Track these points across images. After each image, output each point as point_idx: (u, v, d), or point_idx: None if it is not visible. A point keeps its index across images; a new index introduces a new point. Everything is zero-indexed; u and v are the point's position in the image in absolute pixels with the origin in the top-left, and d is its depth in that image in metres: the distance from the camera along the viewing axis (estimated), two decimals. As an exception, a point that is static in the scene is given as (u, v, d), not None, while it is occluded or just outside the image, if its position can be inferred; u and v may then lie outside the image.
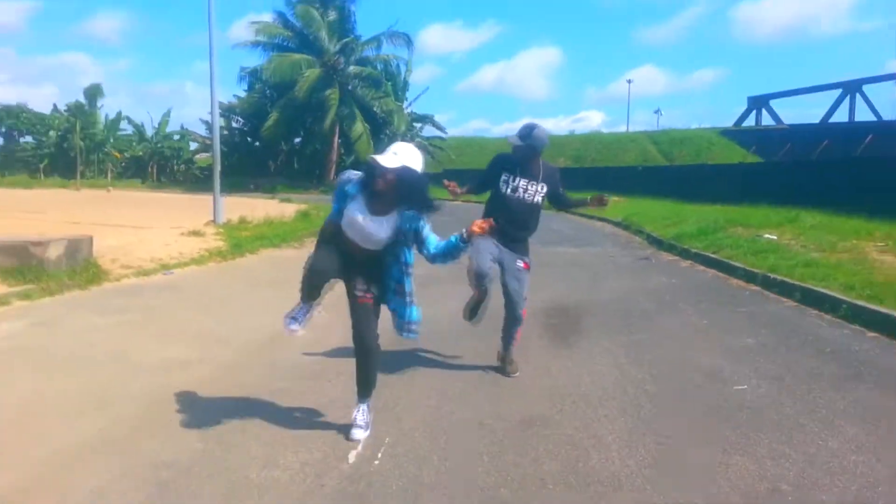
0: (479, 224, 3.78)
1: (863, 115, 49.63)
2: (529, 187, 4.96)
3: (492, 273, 4.90)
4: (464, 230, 3.76)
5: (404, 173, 3.60)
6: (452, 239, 3.82)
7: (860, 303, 6.64)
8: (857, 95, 49.99)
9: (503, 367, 5.11)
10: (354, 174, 3.86)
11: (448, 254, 3.84)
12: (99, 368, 5.14)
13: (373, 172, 3.64)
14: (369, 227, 3.71)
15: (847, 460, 3.49)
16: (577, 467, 3.44)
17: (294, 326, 3.91)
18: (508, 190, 4.94)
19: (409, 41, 43.53)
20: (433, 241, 3.84)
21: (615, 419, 4.11)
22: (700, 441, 3.77)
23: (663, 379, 4.91)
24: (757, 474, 3.34)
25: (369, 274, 3.87)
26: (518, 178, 4.94)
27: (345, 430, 3.90)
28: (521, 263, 5.04)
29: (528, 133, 4.90)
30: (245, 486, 3.24)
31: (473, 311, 5.14)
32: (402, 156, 3.62)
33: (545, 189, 5.02)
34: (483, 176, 5.22)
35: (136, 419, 4.11)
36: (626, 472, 3.37)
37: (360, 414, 3.90)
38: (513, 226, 4.95)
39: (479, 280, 4.81)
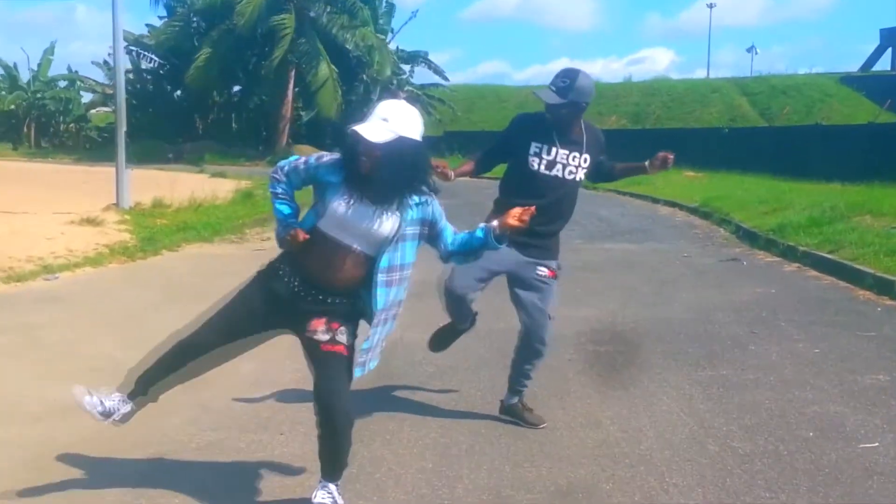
0: (516, 215, 3.68)
1: None
2: (571, 161, 4.87)
3: (474, 294, 4.90)
4: (495, 222, 3.73)
5: (399, 147, 3.50)
6: (478, 233, 3.78)
7: None
8: None
9: (519, 416, 5.04)
10: (326, 155, 3.77)
11: (470, 252, 3.85)
12: (-49, 415, 5.13)
13: (355, 149, 3.52)
14: (366, 221, 3.57)
15: None
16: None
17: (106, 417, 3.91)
18: (543, 166, 4.83)
19: None
20: (449, 233, 3.83)
21: (691, 490, 4.11)
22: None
23: (759, 433, 4.90)
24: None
25: (344, 307, 3.74)
26: (556, 149, 4.85)
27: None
28: (544, 271, 4.92)
29: (568, 84, 4.74)
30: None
31: (441, 341, 5.19)
32: (394, 122, 3.50)
33: (588, 162, 4.94)
34: (498, 145, 5.17)
35: (5, 486, 4.10)
36: (705, 567, 3.37)
37: (326, 494, 3.72)
38: (545, 216, 4.62)
39: (454, 305, 4.86)
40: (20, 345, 6.86)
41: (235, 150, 44.15)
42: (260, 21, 41.08)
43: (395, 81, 47.27)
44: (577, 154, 4.87)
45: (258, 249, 13.11)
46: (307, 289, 3.69)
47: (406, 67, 49.68)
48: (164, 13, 46.99)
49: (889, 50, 57.24)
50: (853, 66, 58.12)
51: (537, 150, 4.82)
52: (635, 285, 9.82)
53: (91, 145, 50.45)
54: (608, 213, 16.99)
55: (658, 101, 52.14)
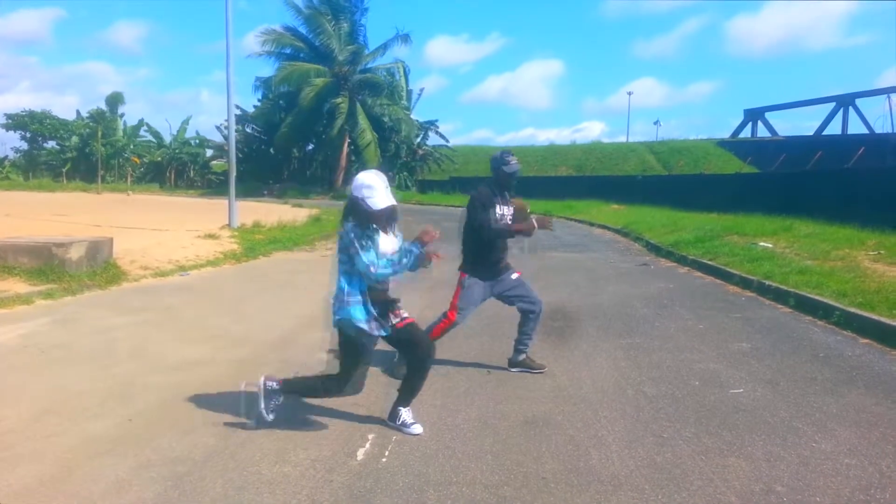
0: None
1: (855, 127, 49.49)
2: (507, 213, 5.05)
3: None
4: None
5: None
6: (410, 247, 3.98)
7: (852, 309, 6.61)
8: (850, 109, 49.81)
9: (528, 366, 5.14)
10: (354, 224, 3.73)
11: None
12: (118, 365, 5.15)
13: (380, 214, 3.70)
14: (390, 245, 3.84)
15: (840, 463, 3.47)
16: (579, 467, 3.42)
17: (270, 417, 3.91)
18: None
19: (407, 39, 43.42)
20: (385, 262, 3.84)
21: (615, 420, 4.10)
22: (697, 442, 3.75)
23: (662, 382, 4.89)
24: (752, 475, 3.32)
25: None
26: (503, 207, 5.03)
27: (355, 427, 3.90)
28: (515, 274, 5.15)
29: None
30: (256, 480, 3.24)
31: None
32: (387, 185, 3.72)
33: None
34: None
35: (153, 415, 4.11)
36: (625, 472, 3.35)
37: (407, 412, 3.94)
38: (501, 251, 5.10)
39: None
40: (163, 318, 6.88)
41: (308, 188, 44.17)
42: (322, 101, 41.23)
43: (416, 143, 47.28)
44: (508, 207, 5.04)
45: (324, 255, 13.13)
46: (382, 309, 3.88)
47: (422, 133, 49.56)
48: (260, 96, 47.26)
49: (750, 123, 57.17)
50: (725, 134, 57.99)
51: (501, 213, 4.99)
52: (578, 281, 9.79)
53: (211, 185, 50.54)
54: (559, 233, 16.93)
55: (593, 157, 52.11)
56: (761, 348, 5.86)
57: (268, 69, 44.80)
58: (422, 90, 52.01)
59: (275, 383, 3.92)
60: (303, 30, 43.39)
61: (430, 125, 49.59)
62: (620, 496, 3.12)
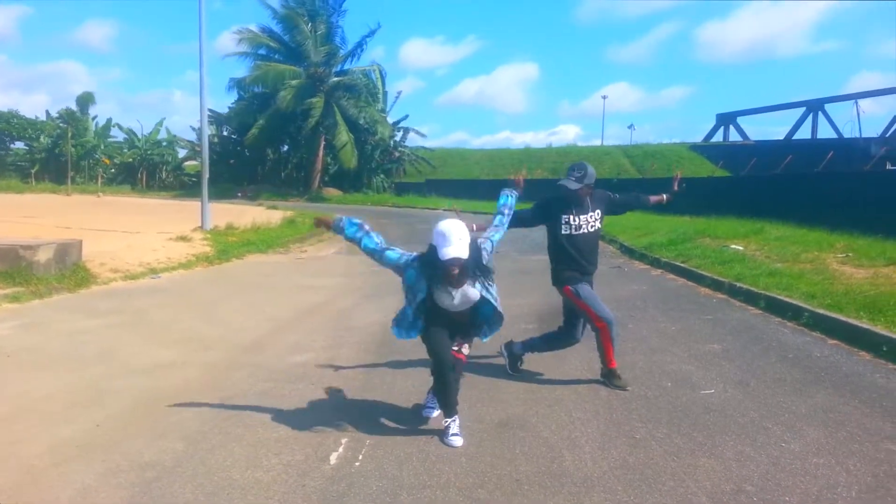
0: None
1: (825, 132, 50.45)
2: (589, 219, 4.98)
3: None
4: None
5: (471, 251, 3.69)
6: (501, 200, 4.39)
7: (821, 311, 6.72)
8: (820, 114, 50.77)
9: (515, 366, 5.21)
10: (404, 256, 3.95)
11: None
12: (86, 369, 5.06)
13: (441, 265, 3.65)
14: (458, 296, 3.80)
15: (808, 462, 3.52)
16: (552, 468, 3.44)
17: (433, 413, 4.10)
18: (572, 229, 4.94)
19: (380, 31, 43.34)
20: (490, 244, 4.00)
21: (588, 422, 4.12)
22: (669, 443, 3.79)
23: (635, 383, 4.92)
24: (723, 475, 3.36)
25: (464, 329, 4.00)
26: (577, 217, 4.95)
27: (328, 431, 3.88)
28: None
29: (582, 175, 4.91)
30: (228, 486, 3.20)
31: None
32: (464, 237, 3.66)
33: (600, 214, 5.07)
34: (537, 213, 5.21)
35: (122, 420, 4.05)
36: (598, 474, 3.37)
37: (454, 424, 3.89)
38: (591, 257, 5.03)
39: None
40: (133, 322, 6.78)
41: (283, 190, 43.85)
42: (298, 103, 40.94)
43: (392, 145, 47.11)
44: (590, 214, 4.92)
45: (299, 258, 13.05)
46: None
47: (399, 134, 49.35)
48: (235, 97, 46.80)
49: (722, 128, 57.97)
50: (698, 138, 58.73)
51: (566, 220, 4.89)
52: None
53: (184, 186, 49.94)
54: (535, 236, 16.98)
55: (569, 160, 51.83)
56: (732, 350, 5.94)
57: (242, 70, 44.29)
58: (399, 93, 51.87)
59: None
60: (278, 30, 43.02)
61: (408, 128, 49.46)
62: (593, 497, 3.14)
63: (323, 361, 5.41)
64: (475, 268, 3.78)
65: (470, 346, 4.08)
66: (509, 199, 4.49)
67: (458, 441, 3.77)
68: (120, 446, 3.64)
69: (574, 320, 5.01)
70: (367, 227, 4.06)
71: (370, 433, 3.87)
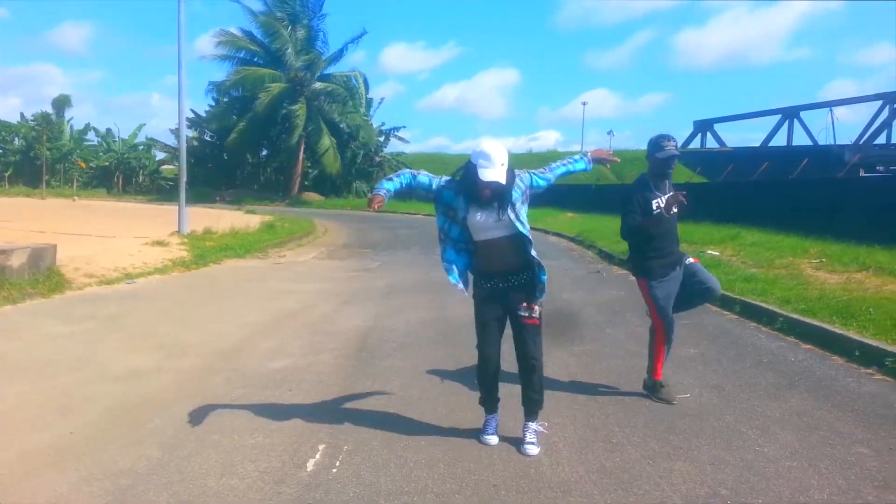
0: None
1: (800, 139, 51.10)
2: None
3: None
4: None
5: (509, 175, 3.61)
6: (580, 164, 4.09)
7: (795, 316, 6.82)
8: (795, 121, 51.49)
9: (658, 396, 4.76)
10: (442, 179, 3.79)
11: (566, 175, 4.02)
12: (60, 376, 4.99)
13: (478, 184, 3.56)
14: (492, 220, 3.65)
15: (782, 466, 3.57)
16: (529, 474, 3.45)
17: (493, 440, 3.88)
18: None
19: (364, 36, 43.36)
20: (541, 177, 3.87)
21: (566, 426, 4.14)
22: (645, 447, 3.82)
23: (612, 388, 4.96)
24: (698, 479, 3.39)
25: (526, 283, 3.78)
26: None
27: (305, 437, 3.86)
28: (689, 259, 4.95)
29: (676, 143, 4.74)
30: (203, 494, 3.17)
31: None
32: (503, 161, 3.56)
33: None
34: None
35: (97, 427, 4.00)
36: (574, 478, 3.39)
37: (531, 433, 3.84)
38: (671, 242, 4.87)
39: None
40: (108, 328, 6.70)
41: (263, 194, 43.60)
42: (278, 107, 40.78)
43: (375, 149, 46.99)
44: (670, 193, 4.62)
45: (277, 263, 12.98)
46: (499, 280, 3.74)
47: (381, 139, 49.21)
48: (213, 100, 46.37)
49: (699, 135, 58.58)
50: (676, 145, 59.19)
51: (657, 202, 4.64)
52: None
53: (161, 191, 49.49)
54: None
55: (549, 165, 52.62)
56: (707, 354, 6.00)
57: (222, 73, 43.89)
58: (382, 99, 51.85)
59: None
60: (258, 34, 42.84)
61: (390, 131, 49.27)
62: (570, 501, 3.15)
63: (301, 367, 5.39)
64: (508, 196, 3.64)
65: (540, 307, 3.83)
66: (578, 163, 4.09)
67: (493, 440, 3.84)
68: (94, 454, 3.60)
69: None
70: (394, 176, 3.81)
71: (348, 440, 3.86)
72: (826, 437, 3.98)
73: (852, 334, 5.97)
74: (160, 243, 13.00)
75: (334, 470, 3.46)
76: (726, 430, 4.09)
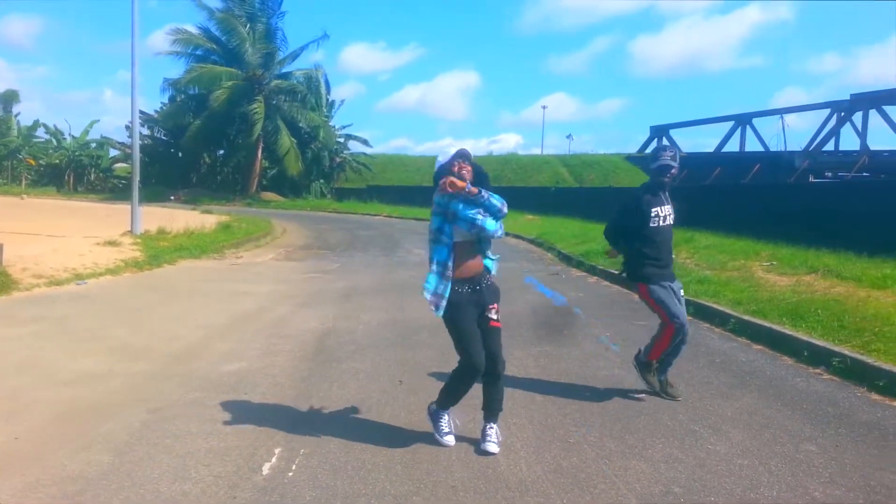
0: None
1: (752, 145, 52.45)
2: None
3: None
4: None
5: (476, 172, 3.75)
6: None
7: (747, 317, 6.99)
8: (748, 127, 52.81)
9: (672, 393, 4.80)
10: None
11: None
12: (6, 379, 4.83)
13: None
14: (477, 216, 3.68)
15: (733, 464, 3.65)
16: (487, 474, 3.46)
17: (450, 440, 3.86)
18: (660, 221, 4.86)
19: (324, 39, 43.09)
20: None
21: (524, 427, 4.17)
22: (601, 447, 3.87)
23: (569, 388, 5.01)
24: (652, 477, 3.45)
25: (491, 285, 3.84)
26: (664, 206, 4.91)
27: (260, 441, 3.81)
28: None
29: (675, 154, 4.98)
30: (154, 499, 3.10)
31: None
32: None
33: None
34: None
35: (44, 432, 3.88)
36: (532, 478, 3.42)
37: (495, 433, 3.84)
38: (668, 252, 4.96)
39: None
40: (57, 330, 6.50)
41: (219, 194, 42.82)
42: (235, 105, 40.11)
43: (336, 149, 46.62)
44: (670, 206, 4.96)
45: (233, 264, 12.78)
46: (474, 283, 3.75)
47: (341, 140, 48.86)
48: (169, 98, 45.36)
49: (655, 140, 59.63)
50: (633, 149, 60.26)
51: (655, 214, 4.83)
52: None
53: (114, 190, 48.30)
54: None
55: (509, 168, 52.96)
56: (663, 355, 6.10)
57: (177, 70, 43.03)
58: (343, 101, 51.49)
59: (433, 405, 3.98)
60: (215, 31, 42.14)
61: (350, 134, 49.00)
62: (527, 500, 3.17)
63: (257, 370, 5.31)
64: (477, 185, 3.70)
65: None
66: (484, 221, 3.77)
67: (451, 440, 3.84)
68: (41, 460, 3.49)
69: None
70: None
71: (304, 443, 3.82)
72: (776, 436, 4.09)
73: (801, 335, 6.15)
74: (112, 243, 12.68)
75: (290, 473, 3.42)
76: (680, 429, 4.17)
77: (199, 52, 42.22)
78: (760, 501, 3.23)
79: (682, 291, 4.98)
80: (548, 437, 4.01)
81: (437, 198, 3.73)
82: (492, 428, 3.86)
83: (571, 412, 4.48)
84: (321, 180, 45.64)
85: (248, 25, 41.39)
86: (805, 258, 10.09)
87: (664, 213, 4.85)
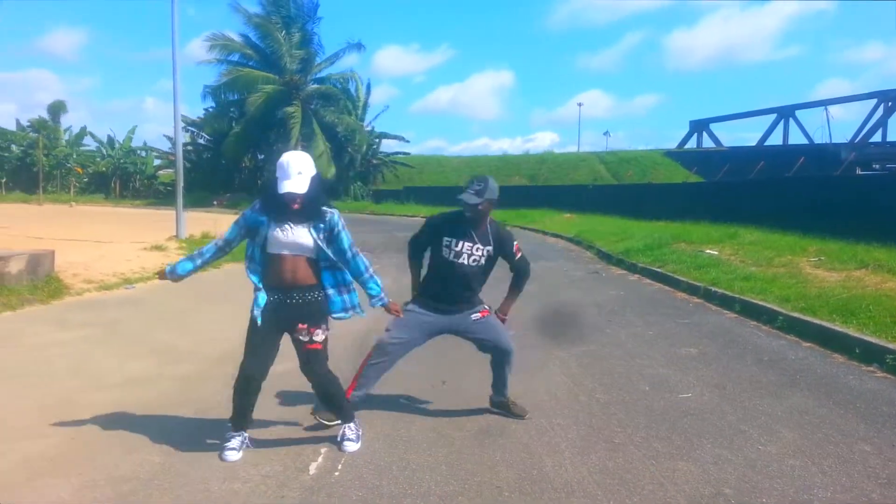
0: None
1: (796, 138, 51.24)
2: (475, 251, 4.25)
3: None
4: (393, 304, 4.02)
5: (313, 185, 3.51)
6: (372, 291, 3.94)
7: (795, 314, 6.82)
8: (791, 120, 51.59)
9: (510, 411, 4.37)
10: (248, 210, 3.76)
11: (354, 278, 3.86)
12: (58, 383, 4.97)
13: (286, 198, 3.45)
14: (292, 235, 3.56)
15: (785, 464, 3.56)
16: (532, 475, 3.44)
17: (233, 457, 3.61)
18: (451, 255, 4.23)
19: (360, 48, 43.12)
20: (347, 244, 3.77)
21: (568, 427, 4.13)
22: (648, 447, 3.81)
23: (613, 388, 4.95)
24: (701, 479, 3.38)
25: (308, 310, 3.68)
26: (463, 242, 4.23)
27: (307, 441, 3.85)
28: (477, 315, 4.38)
29: (482, 187, 4.12)
30: (205, 498, 3.16)
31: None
32: (306, 171, 3.48)
33: (490, 253, 4.32)
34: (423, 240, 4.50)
35: (96, 434, 3.98)
36: (578, 479, 3.38)
37: (348, 430, 3.82)
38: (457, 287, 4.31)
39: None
40: (107, 334, 6.67)
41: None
42: (273, 109, 40.57)
43: (371, 152, 46.89)
44: (480, 246, 4.24)
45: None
46: (281, 297, 3.64)
47: (378, 142, 49.07)
48: (210, 104, 46.16)
49: (695, 134, 58.66)
50: (672, 145, 59.37)
51: (447, 243, 4.23)
52: (532, 290, 9.79)
53: (159, 195, 49.45)
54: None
55: (546, 167, 52.67)
56: (708, 353, 6.00)
57: (216, 77, 43.88)
58: (386, 107, 51.83)
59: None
60: (252, 37, 42.73)
61: (386, 134, 49.17)
62: (573, 501, 3.14)
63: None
64: (315, 208, 3.54)
65: (324, 332, 3.77)
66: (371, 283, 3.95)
67: (234, 456, 3.58)
68: (94, 460, 3.58)
69: (481, 343, 4.46)
70: (198, 251, 3.89)
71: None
72: (828, 435, 3.98)
73: (852, 332, 5.98)
74: (158, 248, 12.97)
75: (336, 473, 3.44)
76: (728, 429, 4.08)
77: (236, 58, 42.80)
78: (814, 503, 3.15)
79: (475, 316, 4.36)
80: (593, 437, 3.97)
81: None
82: (350, 428, 3.83)
83: (616, 412, 4.42)
84: (358, 182, 45.96)
85: (283, 31, 41.87)
86: (854, 253, 9.81)
87: (461, 250, 4.19)
